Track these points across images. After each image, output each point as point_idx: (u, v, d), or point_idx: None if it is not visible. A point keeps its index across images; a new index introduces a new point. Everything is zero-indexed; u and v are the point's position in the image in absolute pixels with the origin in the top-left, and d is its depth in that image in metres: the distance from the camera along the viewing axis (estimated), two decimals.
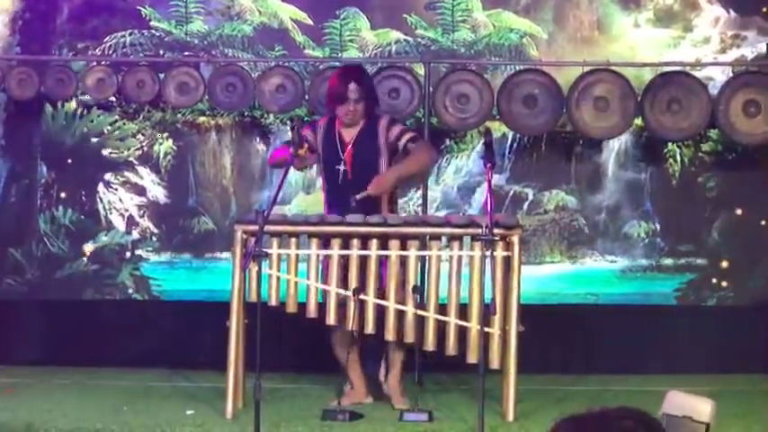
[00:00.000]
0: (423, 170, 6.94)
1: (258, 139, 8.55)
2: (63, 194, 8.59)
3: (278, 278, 6.28)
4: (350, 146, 6.54)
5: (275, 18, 8.52)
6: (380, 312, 6.25)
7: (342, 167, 6.52)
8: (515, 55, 8.40)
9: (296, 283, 6.30)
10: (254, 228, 5.95)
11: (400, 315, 6.24)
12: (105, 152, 8.59)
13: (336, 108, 6.55)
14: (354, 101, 6.51)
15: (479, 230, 5.95)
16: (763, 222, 8.29)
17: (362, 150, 6.53)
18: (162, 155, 8.57)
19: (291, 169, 6.35)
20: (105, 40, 8.53)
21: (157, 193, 8.61)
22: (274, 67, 8.14)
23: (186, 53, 8.46)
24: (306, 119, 7.96)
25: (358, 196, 6.37)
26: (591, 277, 8.39)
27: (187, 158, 8.58)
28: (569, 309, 8.25)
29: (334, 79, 6.63)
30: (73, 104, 8.51)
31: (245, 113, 8.46)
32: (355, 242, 6.26)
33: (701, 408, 3.61)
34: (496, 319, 6.11)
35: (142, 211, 8.61)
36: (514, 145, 8.38)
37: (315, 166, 6.94)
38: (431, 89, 7.88)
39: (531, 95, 7.86)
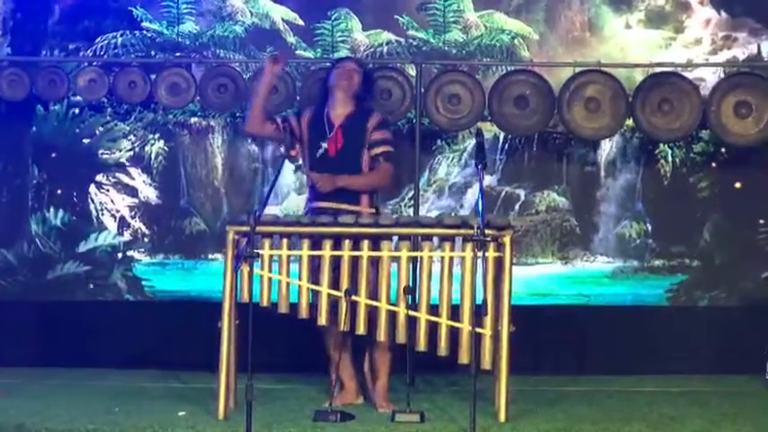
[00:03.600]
0: (371, 190, 6.84)
1: (250, 140, 8.54)
2: (54, 196, 8.57)
3: (269, 279, 6.27)
4: (338, 127, 6.56)
5: (267, 19, 8.52)
6: (372, 313, 6.25)
7: (325, 145, 6.53)
8: (507, 56, 8.41)
9: (287, 283, 6.29)
10: (246, 229, 5.95)
11: (392, 316, 6.24)
12: (97, 153, 8.58)
13: (333, 77, 6.62)
14: (353, 70, 6.64)
15: (471, 231, 5.95)
16: (755, 223, 8.30)
17: (350, 134, 6.54)
18: (153, 156, 8.57)
19: (284, 169, 6.37)
20: (97, 40, 8.53)
21: (149, 193, 8.60)
22: None
23: (177, 54, 8.45)
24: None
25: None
26: (582, 278, 8.39)
27: (179, 159, 8.58)
28: (561, 310, 8.25)
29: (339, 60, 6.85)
30: (64, 105, 8.51)
31: (237, 114, 8.45)
32: (347, 243, 6.26)
33: None
34: (488, 319, 6.11)
35: (134, 212, 8.60)
36: (506, 146, 8.38)
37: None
38: (422, 90, 7.88)
39: (523, 96, 7.87)
